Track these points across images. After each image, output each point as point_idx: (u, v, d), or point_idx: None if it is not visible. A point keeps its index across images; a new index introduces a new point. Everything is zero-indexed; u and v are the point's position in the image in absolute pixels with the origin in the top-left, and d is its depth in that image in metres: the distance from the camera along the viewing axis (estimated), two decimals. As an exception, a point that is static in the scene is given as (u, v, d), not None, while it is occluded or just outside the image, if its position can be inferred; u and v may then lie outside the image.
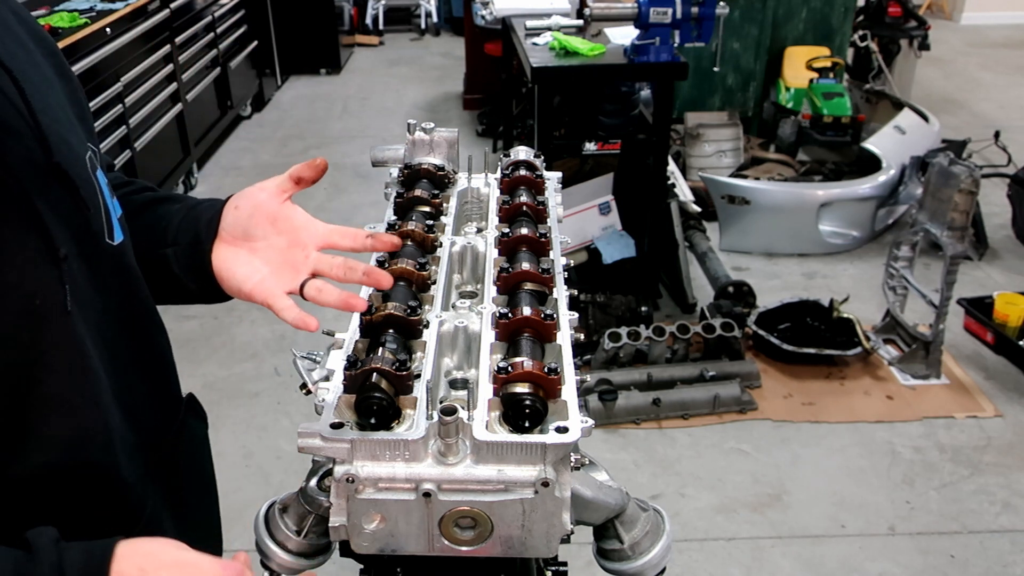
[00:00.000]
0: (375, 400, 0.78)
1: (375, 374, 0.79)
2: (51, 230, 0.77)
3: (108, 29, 3.69)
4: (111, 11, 3.80)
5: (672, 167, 3.73)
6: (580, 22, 3.27)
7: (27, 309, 0.75)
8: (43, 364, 0.77)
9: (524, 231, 1.04)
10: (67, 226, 0.79)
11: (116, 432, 0.85)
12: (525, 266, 0.97)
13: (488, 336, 0.89)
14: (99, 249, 0.85)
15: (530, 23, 3.44)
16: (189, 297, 0.99)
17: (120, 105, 3.77)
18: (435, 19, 8.07)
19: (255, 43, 5.78)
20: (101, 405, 0.83)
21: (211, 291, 0.97)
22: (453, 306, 1.01)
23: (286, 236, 0.92)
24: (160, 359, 0.99)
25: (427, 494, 0.76)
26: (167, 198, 1.02)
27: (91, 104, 3.48)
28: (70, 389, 0.79)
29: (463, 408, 0.77)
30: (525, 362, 0.80)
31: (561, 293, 0.96)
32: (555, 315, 0.89)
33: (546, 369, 0.79)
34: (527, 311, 0.88)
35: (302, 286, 0.90)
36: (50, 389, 0.78)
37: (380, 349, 0.84)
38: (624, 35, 3.22)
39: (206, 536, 1.10)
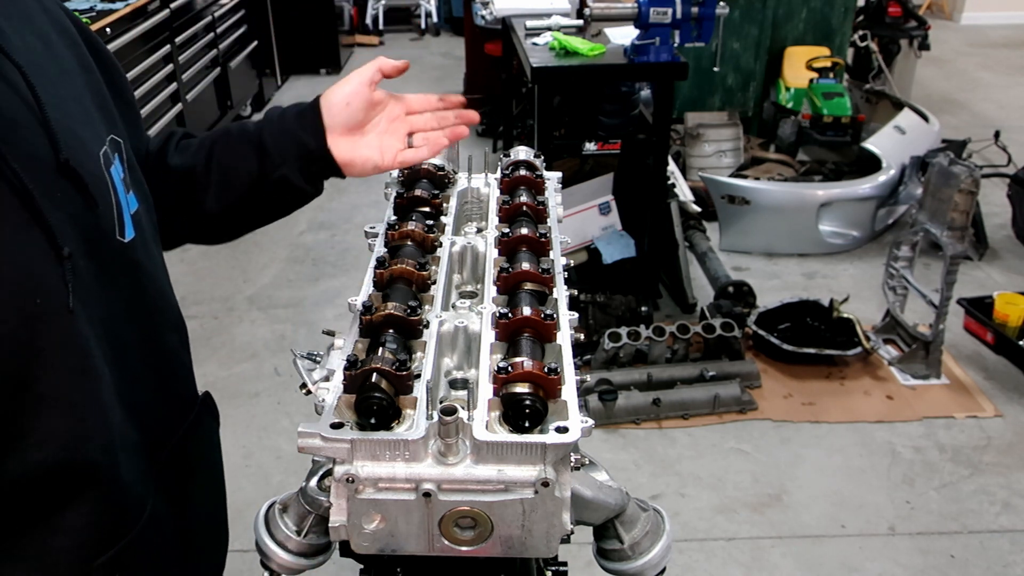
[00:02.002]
0: (375, 400, 0.78)
1: (375, 374, 0.79)
2: (54, 228, 0.76)
3: (108, 29, 3.69)
4: (111, 11, 3.80)
5: (672, 167, 3.73)
6: (580, 22, 3.27)
7: (26, 308, 0.74)
8: (42, 363, 0.76)
9: (524, 231, 1.04)
10: (73, 224, 0.79)
11: (117, 431, 0.85)
12: (525, 266, 0.97)
13: (488, 336, 0.89)
14: (108, 247, 0.84)
15: (530, 23, 3.44)
16: (300, 202, 1.11)
17: (120, 105, 3.77)
18: (435, 19, 8.08)
19: (255, 43, 5.78)
20: (102, 404, 0.82)
21: (321, 187, 1.12)
22: (453, 306, 1.01)
23: (383, 114, 1.11)
24: (171, 357, 0.99)
25: (427, 494, 0.76)
26: (227, 132, 1.10)
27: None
28: (69, 388, 0.79)
29: (463, 408, 0.77)
30: (525, 362, 0.80)
31: (561, 293, 0.96)
32: (555, 315, 0.89)
33: (546, 369, 0.79)
34: (527, 311, 0.88)
35: (410, 144, 1.12)
36: (48, 388, 0.77)
37: (380, 349, 0.84)
38: (624, 35, 3.22)
39: (211, 536, 1.09)
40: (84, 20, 3.51)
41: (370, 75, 1.07)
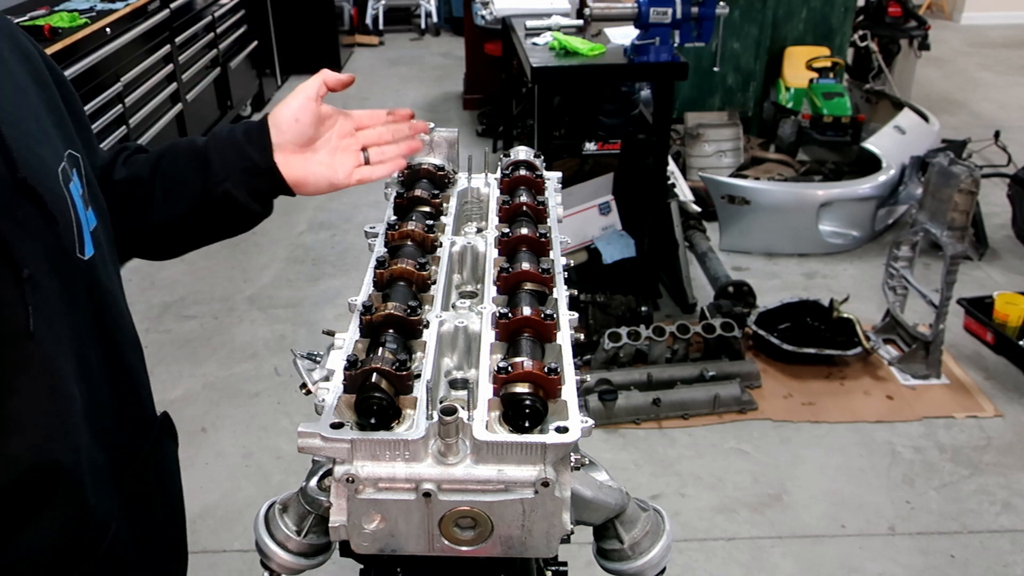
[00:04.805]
0: (375, 400, 0.78)
1: (375, 374, 0.79)
2: (14, 249, 0.75)
3: (108, 29, 3.69)
4: (111, 11, 3.80)
5: (672, 167, 3.73)
6: (580, 22, 3.27)
7: None
8: (5, 385, 0.75)
9: (524, 231, 1.04)
10: (35, 243, 0.78)
11: (84, 453, 0.84)
12: (525, 266, 0.96)
13: (488, 336, 0.89)
14: (70, 265, 0.83)
15: (530, 23, 3.44)
16: (248, 222, 1.07)
17: (120, 105, 3.77)
18: (435, 19, 8.07)
19: (255, 43, 5.78)
20: (69, 426, 0.81)
21: (269, 207, 1.07)
22: (453, 306, 1.01)
23: (334, 130, 1.09)
24: (132, 377, 0.97)
25: (427, 494, 0.76)
26: (174, 145, 1.06)
27: (91, 104, 3.49)
28: (35, 410, 0.78)
29: (463, 408, 0.77)
30: (525, 362, 0.80)
31: (561, 293, 0.96)
32: (555, 315, 0.89)
33: (546, 369, 0.79)
34: (527, 311, 0.88)
35: (366, 159, 1.09)
36: (13, 410, 0.76)
37: (380, 349, 0.84)
38: (624, 35, 3.22)
39: (171, 559, 1.08)
40: (83, 20, 3.52)
41: (316, 88, 1.05)
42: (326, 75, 1.05)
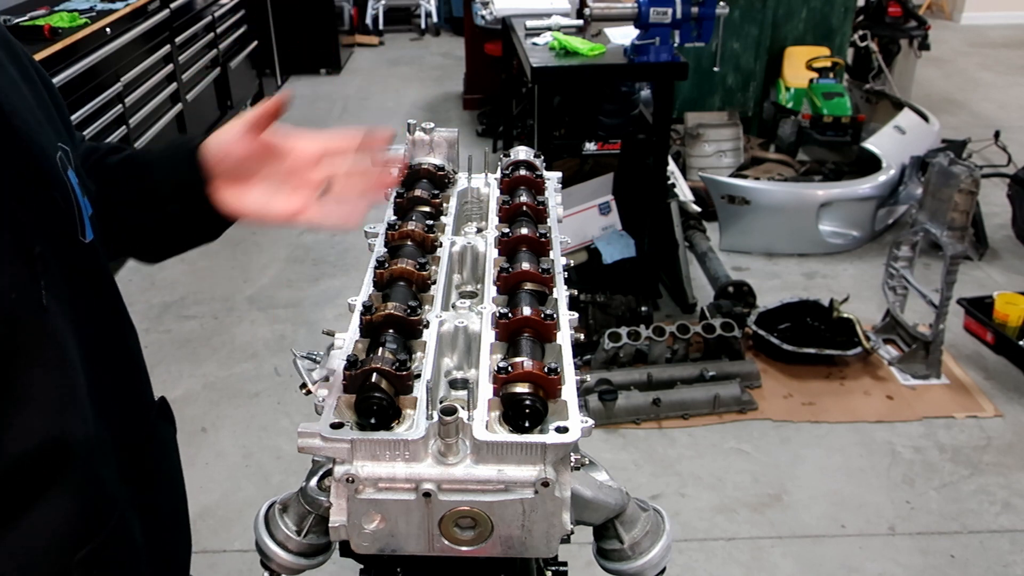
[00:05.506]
0: (375, 400, 0.78)
1: (375, 374, 0.79)
2: (24, 227, 0.77)
3: (108, 29, 3.69)
4: (111, 11, 3.80)
5: (672, 167, 3.73)
6: (580, 22, 3.27)
7: (2, 305, 0.75)
8: (20, 359, 0.77)
9: (524, 231, 1.04)
10: (40, 224, 0.80)
11: (92, 427, 0.85)
12: (525, 266, 0.96)
13: (488, 336, 0.89)
14: (74, 247, 0.85)
15: (530, 23, 3.45)
16: (208, 236, 1.04)
17: (120, 105, 3.77)
18: (435, 19, 8.08)
19: (255, 43, 5.78)
20: (79, 401, 0.83)
21: (223, 227, 1.02)
22: (453, 306, 1.00)
23: (281, 162, 0.96)
24: (132, 359, 1.00)
25: (427, 494, 0.76)
26: (122, 167, 1.03)
27: (90, 104, 3.49)
28: (49, 384, 0.80)
29: (463, 408, 0.77)
30: (525, 362, 0.80)
31: (561, 293, 0.96)
32: (555, 315, 0.89)
33: (546, 369, 0.79)
34: (527, 311, 0.88)
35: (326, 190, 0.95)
36: (28, 383, 0.78)
37: (380, 349, 0.84)
38: (624, 35, 3.22)
39: (175, 541, 1.09)
40: (83, 20, 3.54)
41: (249, 123, 0.94)
42: (268, 104, 0.93)
